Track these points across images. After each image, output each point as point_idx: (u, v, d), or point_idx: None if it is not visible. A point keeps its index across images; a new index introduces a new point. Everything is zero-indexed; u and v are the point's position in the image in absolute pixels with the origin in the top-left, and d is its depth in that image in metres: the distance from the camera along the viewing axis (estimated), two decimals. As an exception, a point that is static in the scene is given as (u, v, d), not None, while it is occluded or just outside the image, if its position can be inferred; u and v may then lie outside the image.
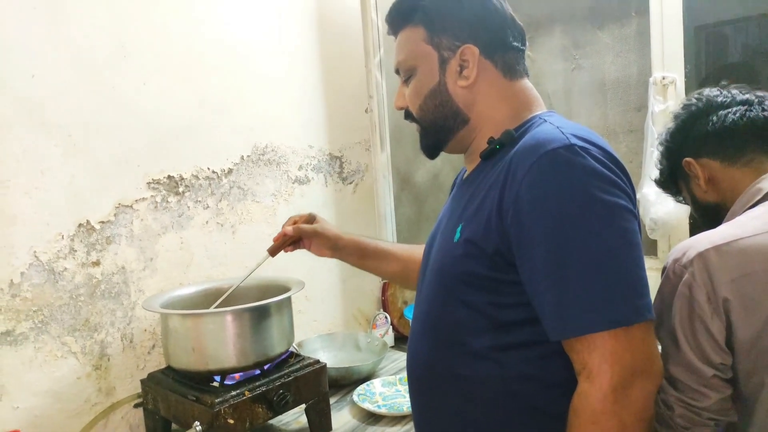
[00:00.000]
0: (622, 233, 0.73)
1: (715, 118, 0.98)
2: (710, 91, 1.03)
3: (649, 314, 0.72)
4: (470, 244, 0.82)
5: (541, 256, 0.73)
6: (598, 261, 0.71)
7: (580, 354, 0.73)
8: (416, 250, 1.19)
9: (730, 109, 0.98)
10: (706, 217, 1.04)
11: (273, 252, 1.21)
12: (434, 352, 0.89)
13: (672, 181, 1.10)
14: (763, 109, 0.96)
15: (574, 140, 0.75)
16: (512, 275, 0.78)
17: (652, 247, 1.95)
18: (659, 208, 1.78)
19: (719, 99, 1.00)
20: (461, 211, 0.89)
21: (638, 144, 1.95)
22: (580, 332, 0.72)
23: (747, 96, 0.99)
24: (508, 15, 0.90)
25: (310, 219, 1.22)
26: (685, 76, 1.82)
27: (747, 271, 0.81)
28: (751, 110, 0.96)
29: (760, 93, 1.00)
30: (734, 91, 1.01)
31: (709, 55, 1.87)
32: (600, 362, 0.71)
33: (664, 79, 1.82)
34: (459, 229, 0.85)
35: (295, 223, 1.21)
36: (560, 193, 0.73)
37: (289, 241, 1.20)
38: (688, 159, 1.01)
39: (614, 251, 0.72)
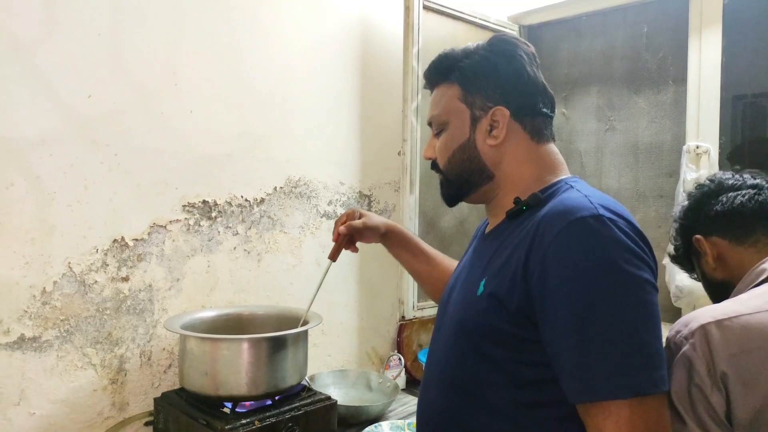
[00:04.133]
0: (643, 305, 0.74)
1: (724, 198, 1.03)
2: (723, 174, 1.09)
3: (664, 386, 0.73)
4: (494, 299, 0.83)
5: (564, 319, 0.75)
6: (619, 330, 0.73)
7: (595, 419, 0.73)
8: (450, 263, 1.23)
9: (740, 192, 1.02)
10: (714, 293, 1.07)
11: (333, 256, 1.23)
12: (448, 402, 0.90)
13: (686, 257, 1.13)
14: None
15: (602, 211, 0.77)
16: (533, 334, 0.79)
17: (676, 315, 1.92)
18: (685, 276, 1.75)
19: (730, 182, 1.05)
20: (485, 265, 0.90)
21: (667, 209, 1.95)
22: (597, 397, 0.73)
23: (758, 181, 1.04)
24: (540, 83, 0.94)
25: (354, 214, 1.25)
26: (720, 147, 1.83)
27: (747, 347, 0.82)
28: (760, 194, 1.01)
29: None
30: (746, 176, 1.06)
31: (746, 125, 1.87)
32: (614, 429, 0.71)
33: (698, 148, 1.83)
34: (483, 283, 0.87)
35: (343, 223, 1.24)
36: (586, 261, 0.75)
37: (344, 240, 1.22)
38: (698, 236, 1.05)
39: (635, 322, 0.73)
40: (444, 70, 0.97)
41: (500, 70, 0.92)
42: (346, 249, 1.24)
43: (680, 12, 1.90)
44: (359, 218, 1.23)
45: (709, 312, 0.87)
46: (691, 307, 1.87)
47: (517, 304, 0.80)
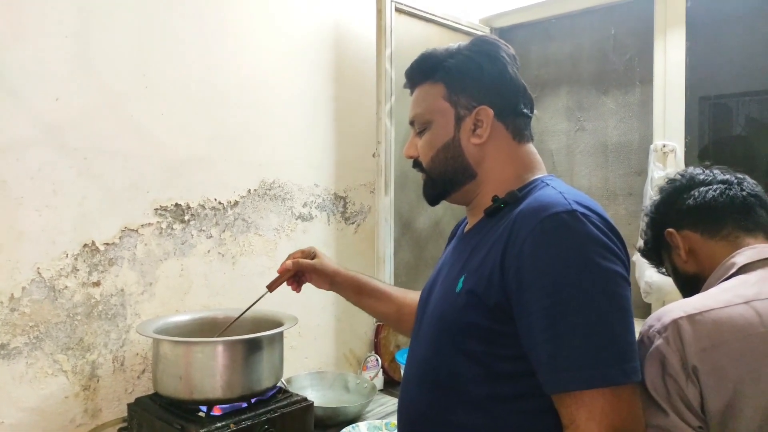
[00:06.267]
0: (616, 298, 0.77)
1: (696, 193, 1.05)
2: (693, 170, 1.11)
3: (636, 377, 0.76)
4: (472, 295, 0.85)
5: (539, 313, 0.77)
6: (592, 323, 0.75)
7: (569, 409, 0.75)
8: (411, 295, 1.22)
9: (710, 186, 1.05)
10: (685, 286, 1.09)
11: (272, 287, 1.23)
12: (429, 398, 0.91)
13: (655, 251, 1.15)
14: (742, 189, 1.03)
15: (575, 206, 0.80)
16: (511, 327, 0.81)
17: (647, 311, 1.96)
18: (654, 272, 1.79)
19: (701, 177, 1.08)
20: (464, 262, 0.92)
21: (637, 207, 2.00)
22: (570, 388, 0.75)
23: (727, 176, 1.06)
24: (521, 84, 0.96)
25: (310, 254, 1.24)
26: (686, 146, 1.88)
27: (717, 341, 0.84)
28: (731, 189, 1.04)
29: (740, 174, 1.07)
30: (716, 171, 1.08)
31: (712, 125, 1.92)
32: (587, 419, 0.73)
33: (664, 146, 1.88)
34: (462, 280, 0.89)
35: (295, 258, 1.23)
36: (560, 255, 0.77)
37: (288, 275, 1.22)
38: (670, 230, 1.07)
39: (607, 315, 0.76)
40: (427, 70, 0.98)
41: (484, 70, 0.94)
42: (289, 285, 1.23)
43: (645, 15, 1.95)
44: (313, 258, 1.23)
45: (681, 306, 0.88)
46: (660, 303, 1.92)
47: (495, 299, 0.81)
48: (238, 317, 1.30)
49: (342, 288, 1.23)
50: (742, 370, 0.82)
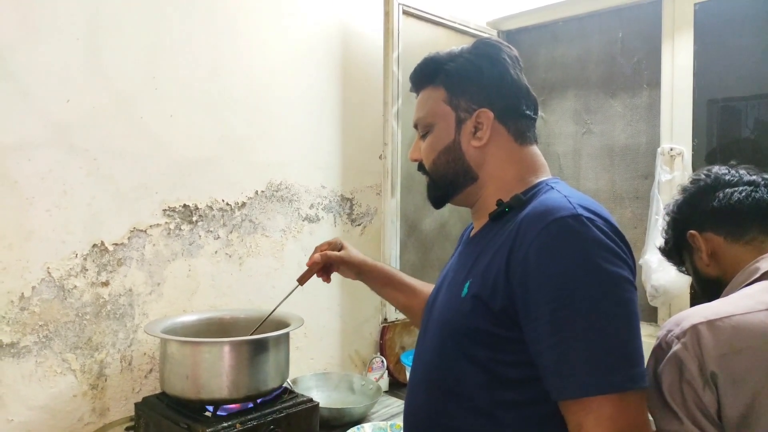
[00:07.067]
0: (622, 303, 0.76)
1: (721, 194, 1.01)
2: (719, 169, 1.06)
3: (643, 383, 0.75)
4: (478, 300, 0.85)
5: (545, 318, 0.76)
6: (598, 328, 0.74)
7: (576, 415, 0.75)
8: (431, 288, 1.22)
9: (736, 188, 1.01)
10: (706, 289, 1.06)
11: (302, 280, 1.23)
12: (433, 403, 0.91)
13: (676, 251, 1.12)
14: None
15: (581, 210, 0.79)
16: (516, 333, 0.80)
17: (653, 314, 1.96)
18: (661, 275, 1.80)
19: (727, 177, 1.04)
20: (470, 267, 0.92)
21: (643, 210, 1.99)
22: (578, 394, 0.74)
23: (754, 177, 1.03)
24: (523, 85, 0.96)
25: (337, 245, 1.24)
26: (693, 149, 1.87)
27: (737, 347, 0.82)
28: (757, 191, 1.00)
29: (766, 175, 1.03)
30: (742, 171, 1.04)
31: (720, 129, 1.91)
32: (595, 425, 0.73)
33: (671, 150, 1.87)
34: (467, 285, 0.88)
35: (323, 250, 1.23)
36: (566, 260, 0.76)
37: (318, 268, 1.22)
38: (692, 232, 1.04)
39: (614, 320, 0.75)
40: (429, 74, 0.98)
41: (484, 73, 0.94)
42: (319, 276, 1.24)
43: (653, 18, 1.95)
44: (340, 250, 1.23)
45: (700, 312, 0.87)
46: (666, 306, 1.91)
47: (501, 304, 0.81)
48: (271, 312, 1.29)
49: (368, 278, 1.24)
50: (762, 376, 0.81)
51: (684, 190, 1.10)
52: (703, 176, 1.07)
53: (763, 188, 1.01)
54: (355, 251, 1.24)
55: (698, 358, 0.83)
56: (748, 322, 0.84)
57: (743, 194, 1.00)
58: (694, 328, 0.84)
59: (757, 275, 0.94)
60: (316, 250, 1.23)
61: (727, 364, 0.82)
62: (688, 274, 1.13)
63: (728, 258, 1.00)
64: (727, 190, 1.02)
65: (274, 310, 1.29)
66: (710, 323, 0.84)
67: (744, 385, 0.81)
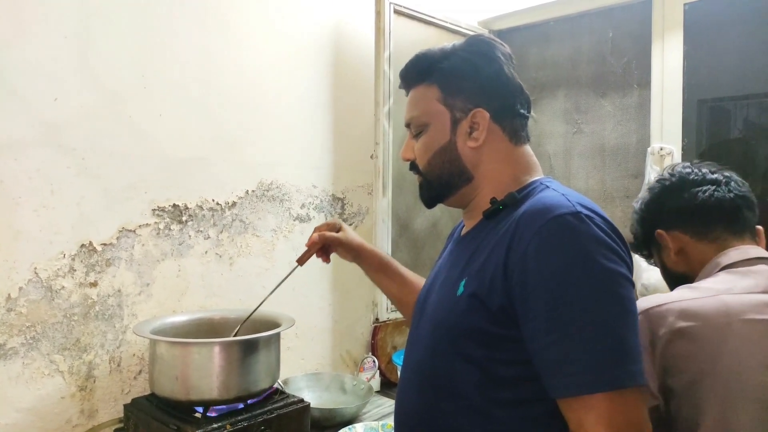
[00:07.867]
0: (621, 300, 0.76)
1: (687, 195, 1.06)
2: (683, 168, 1.11)
3: (641, 379, 0.75)
4: (474, 299, 0.84)
5: (544, 315, 0.76)
6: (598, 325, 0.74)
7: (577, 413, 0.75)
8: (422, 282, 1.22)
9: (700, 188, 1.06)
10: (673, 285, 1.11)
11: (301, 260, 1.23)
12: (426, 402, 0.90)
13: (645, 247, 1.18)
14: (730, 190, 1.05)
15: (579, 208, 0.79)
16: (514, 331, 0.80)
17: (643, 313, 1.97)
18: (651, 274, 1.81)
19: (691, 177, 1.08)
20: (464, 265, 0.91)
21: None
22: (577, 392, 0.74)
23: (716, 176, 1.07)
24: (517, 84, 0.95)
25: (335, 227, 1.24)
26: (683, 149, 1.88)
27: (682, 327, 0.91)
28: (719, 190, 1.05)
29: (726, 173, 1.08)
30: (704, 170, 1.09)
31: (710, 128, 1.92)
32: (595, 423, 0.73)
33: (661, 149, 1.88)
34: (463, 283, 0.87)
35: (321, 231, 1.23)
36: (565, 257, 0.76)
37: (316, 248, 1.22)
38: (660, 231, 1.09)
39: (613, 317, 0.75)
40: (422, 71, 0.96)
41: (480, 71, 0.92)
42: (318, 257, 1.24)
43: (644, 18, 1.96)
44: (338, 231, 1.23)
45: (656, 298, 0.97)
46: (657, 305, 1.93)
47: (499, 303, 0.80)
48: (268, 296, 1.28)
49: (365, 262, 1.24)
50: (704, 354, 0.89)
51: (650, 189, 1.14)
52: (667, 175, 1.12)
53: (723, 186, 1.05)
54: (353, 233, 1.24)
55: (647, 336, 0.93)
56: (696, 306, 0.93)
57: (707, 194, 1.05)
58: (646, 311, 0.94)
59: (718, 269, 1.01)
60: (315, 230, 1.23)
61: (673, 343, 0.91)
62: (657, 266, 1.19)
63: (695, 255, 1.06)
64: (692, 190, 1.06)
65: (273, 291, 1.27)
66: (660, 306, 0.94)
67: (689, 363, 0.90)
